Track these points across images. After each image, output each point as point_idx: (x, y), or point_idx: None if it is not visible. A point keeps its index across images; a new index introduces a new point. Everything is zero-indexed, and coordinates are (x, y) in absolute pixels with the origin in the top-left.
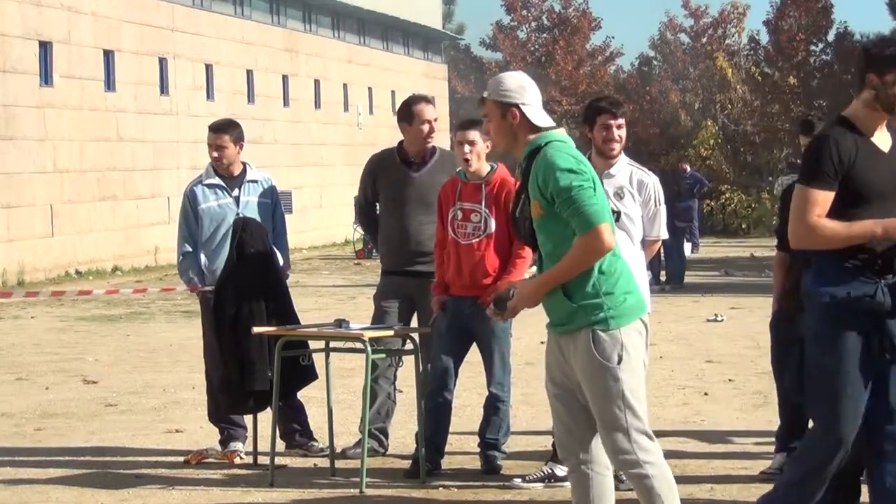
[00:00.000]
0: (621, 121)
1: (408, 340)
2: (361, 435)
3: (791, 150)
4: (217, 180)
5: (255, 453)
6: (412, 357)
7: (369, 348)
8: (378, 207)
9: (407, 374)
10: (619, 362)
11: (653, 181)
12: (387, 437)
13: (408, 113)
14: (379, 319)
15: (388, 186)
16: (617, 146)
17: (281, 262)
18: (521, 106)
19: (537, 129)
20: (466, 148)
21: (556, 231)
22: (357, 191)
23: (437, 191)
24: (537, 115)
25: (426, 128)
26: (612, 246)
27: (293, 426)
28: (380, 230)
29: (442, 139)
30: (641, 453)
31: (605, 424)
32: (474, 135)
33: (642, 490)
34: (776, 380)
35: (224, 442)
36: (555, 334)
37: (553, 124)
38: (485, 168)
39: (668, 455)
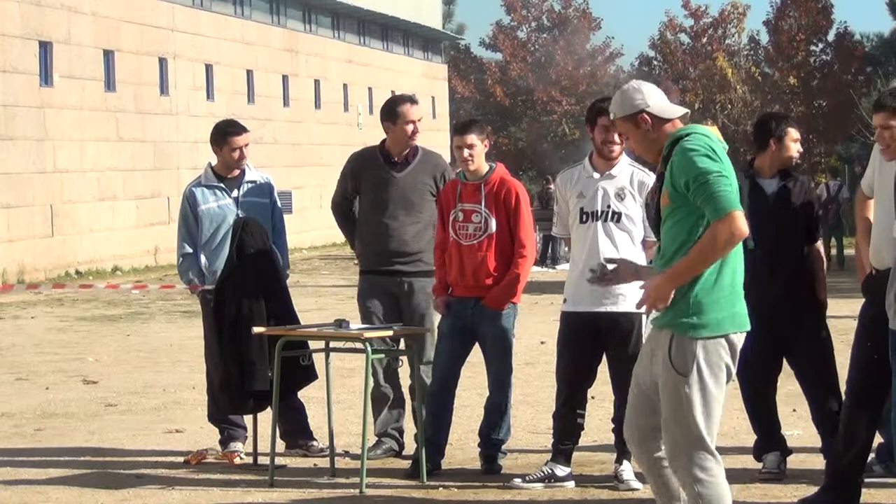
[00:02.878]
0: None
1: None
2: (377, 437)
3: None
4: (217, 181)
5: (255, 453)
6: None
7: (369, 348)
8: (357, 206)
9: (406, 373)
10: (689, 374)
11: (653, 181)
12: (402, 436)
13: (392, 113)
14: (367, 320)
15: (370, 186)
16: (616, 148)
17: (280, 262)
18: (646, 109)
19: (668, 121)
20: (466, 152)
21: (677, 226)
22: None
23: (419, 191)
24: (665, 108)
25: (410, 128)
26: (745, 233)
27: (293, 426)
28: (359, 229)
29: (442, 139)
30: (698, 472)
31: (666, 427)
32: (473, 137)
33: (691, 499)
34: (744, 381)
35: (224, 442)
36: (651, 324)
37: (685, 110)
38: (484, 168)
39: None
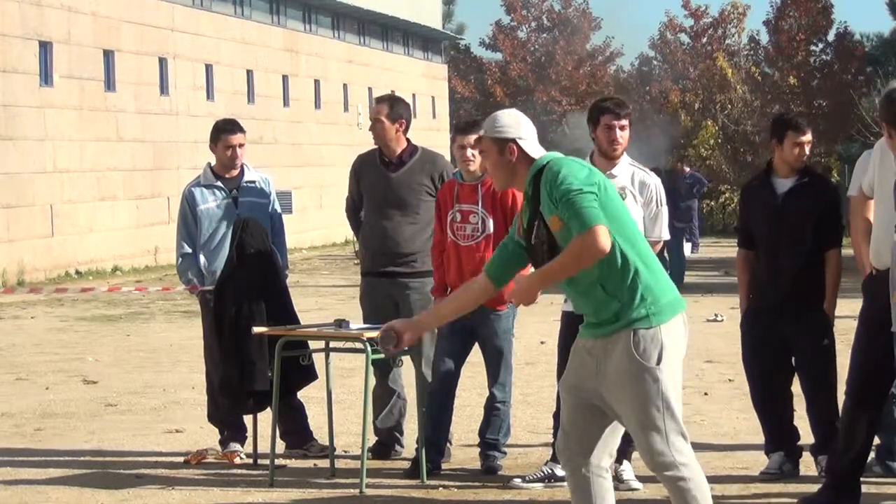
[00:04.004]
0: (624, 122)
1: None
2: (376, 437)
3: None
4: (216, 181)
5: (255, 453)
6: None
7: (369, 348)
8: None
9: (407, 373)
10: (658, 362)
11: (655, 182)
12: (403, 436)
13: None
14: (368, 322)
15: (368, 187)
16: (619, 147)
17: (280, 262)
18: (517, 140)
19: (531, 161)
20: (469, 152)
21: None
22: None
23: (415, 191)
24: (534, 148)
25: (374, 127)
26: (607, 249)
27: (293, 426)
28: (360, 230)
29: (442, 139)
30: (678, 455)
31: (642, 425)
32: (474, 138)
33: (676, 492)
34: (751, 379)
35: (224, 442)
36: (588, 338)
37: (545, 153)
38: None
39: None
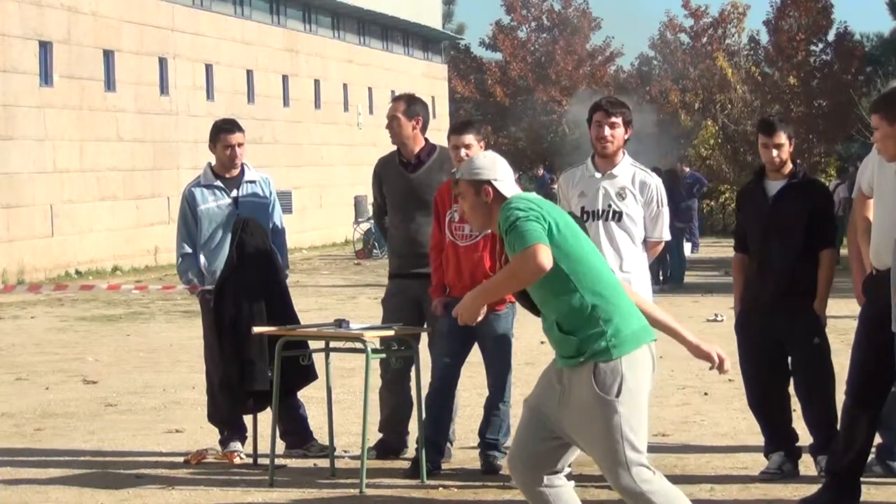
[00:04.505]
0: (615, 119)
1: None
2: (381, 434)
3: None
4: (216, 181)
5: (255, 453)
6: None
7: (369, 348)
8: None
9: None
10: (618, 395)
11: (655, 182)
12: (406, 437)
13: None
14: (389, 320)
15: (390, 189)
16: (609, 145)
17: (280, 262)
18: (493, 182)
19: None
20: (463, 152)
21: (548, 281)
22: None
23: (434, 190)
24: (509, 189)
25: (391, 125)
26: (546, 266)
27: (293, 426)
28: (388, 233)
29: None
30: (643, 484)
31: (605, 459)
32: (469, 138)
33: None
34: (746, 381)
35: (224, 442)
36: (560, 366)
37: (520, 192)
38: None
39: (669, 454)
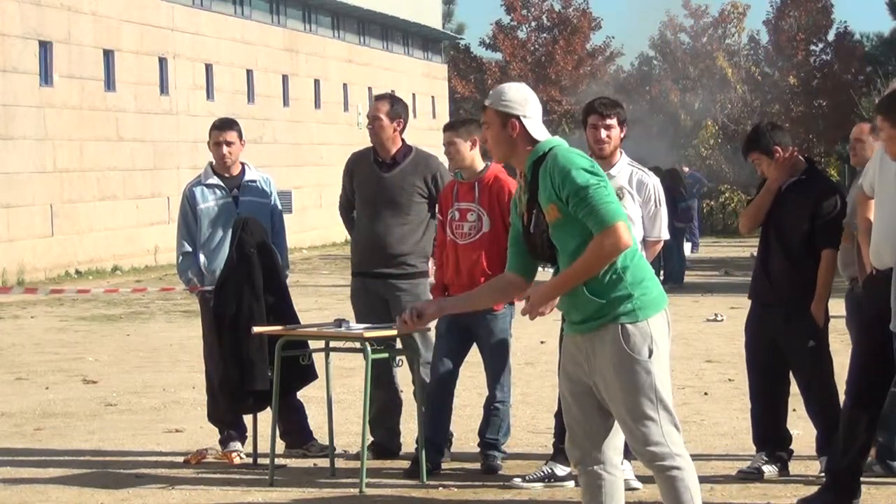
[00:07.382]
0: (610, 121)
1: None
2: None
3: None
4: (216, 180)
5: (255, 453)
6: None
7: (369, 348)
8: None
9: (407, 373)
10: (649, 355)
11: (653, 182)
12: (399, 436)
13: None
14: (361, 320)
15: (361, 186)
16: (605, 146)
17: (280, 261)
18: (522, 118)
19: (535, 143)
20: (451, 149)
21: (578, 230)
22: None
23: (406, 192)
24: (537, 128)
25: (372, 124)
26: (629, 244)
27: (293, 426)
28: (353, 230)
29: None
30: (673, 446)
31: (635, 417)
32: (450, 135)
33: (670, 483)
34: (749, 371)
35: (224, 442)
36: (574, 333)
37: (550, 137)
38: (479, 166)
39: None
